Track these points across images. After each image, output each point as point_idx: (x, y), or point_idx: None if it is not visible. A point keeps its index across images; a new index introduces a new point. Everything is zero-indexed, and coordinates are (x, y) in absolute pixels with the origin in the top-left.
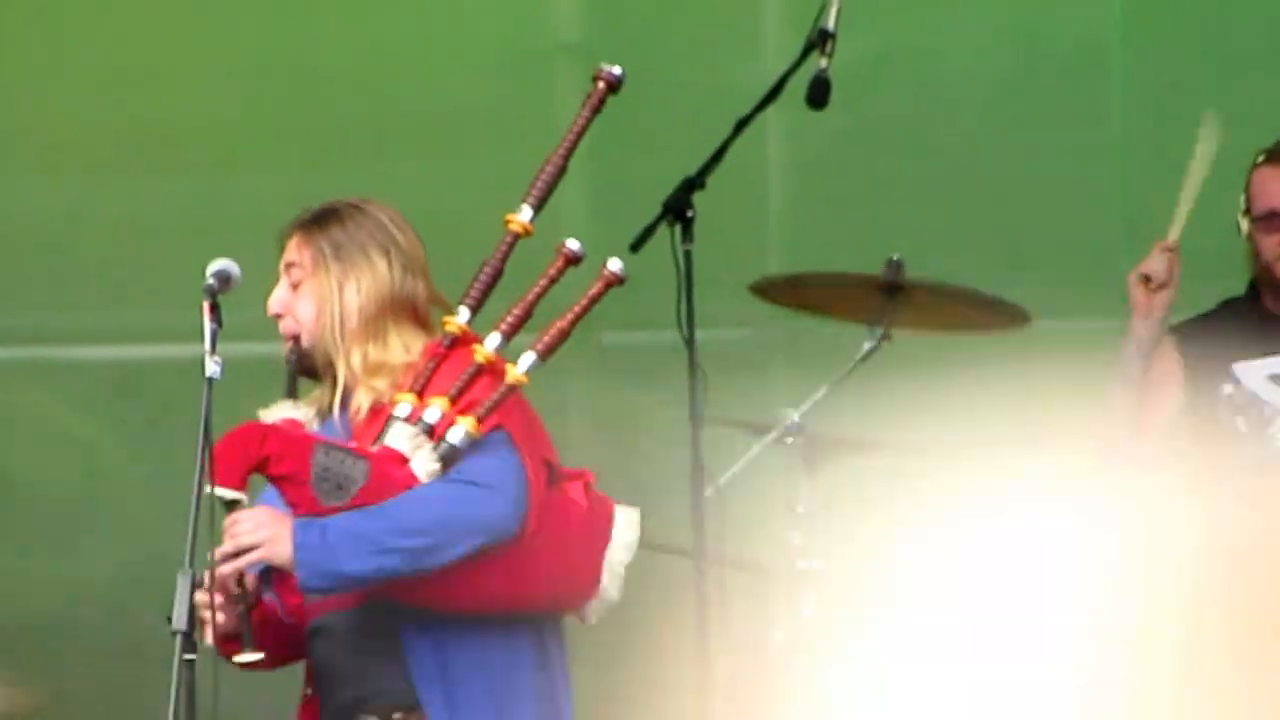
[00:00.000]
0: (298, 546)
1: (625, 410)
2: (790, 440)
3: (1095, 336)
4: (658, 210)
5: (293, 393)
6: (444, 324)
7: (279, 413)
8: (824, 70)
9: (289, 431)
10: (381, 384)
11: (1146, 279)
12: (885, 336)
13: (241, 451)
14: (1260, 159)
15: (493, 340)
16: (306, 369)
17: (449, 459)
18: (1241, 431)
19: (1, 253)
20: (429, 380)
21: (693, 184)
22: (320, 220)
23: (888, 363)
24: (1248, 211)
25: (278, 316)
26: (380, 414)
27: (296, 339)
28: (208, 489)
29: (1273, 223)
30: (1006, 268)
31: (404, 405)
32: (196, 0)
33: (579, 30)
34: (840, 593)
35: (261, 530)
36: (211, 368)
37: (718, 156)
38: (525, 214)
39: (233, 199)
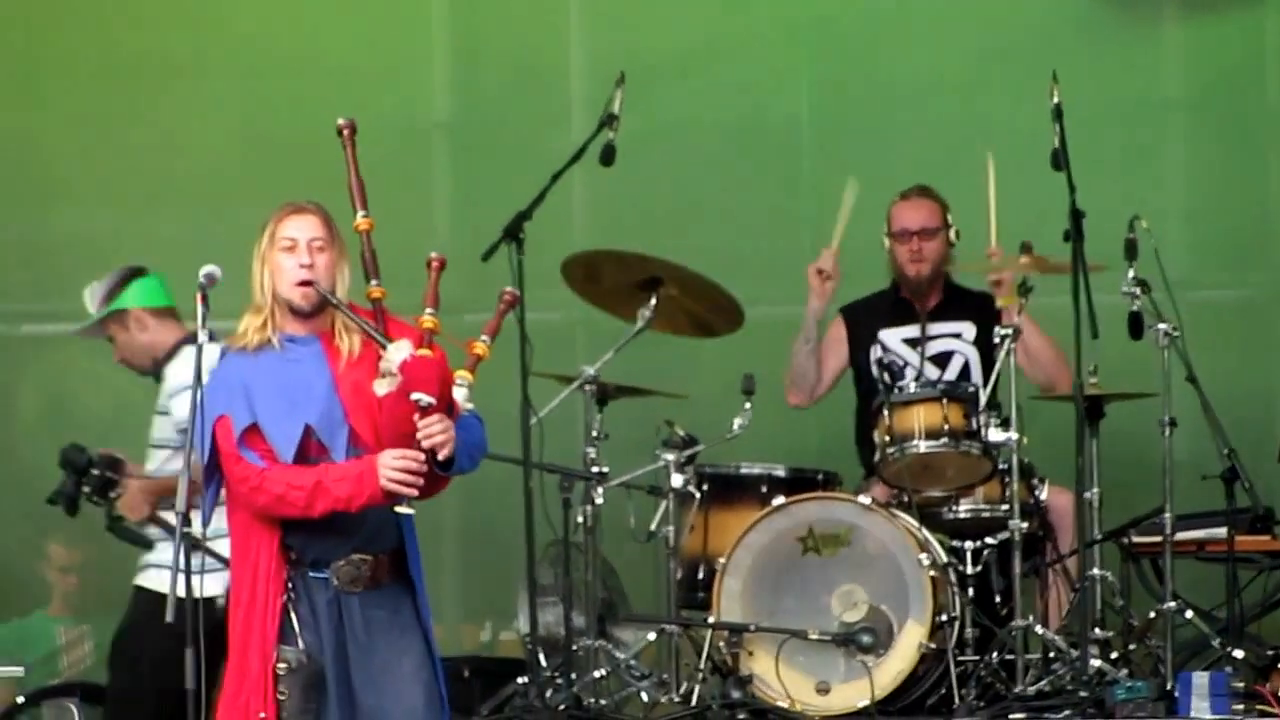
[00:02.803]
0: (459, 443)
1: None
2: (588, 387)
3: (791, 319)
4: (500, 233)
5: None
6: (369, 294)
7: (407, 348)
8: (611, 140)
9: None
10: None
11: (819, 272)
12: (651, 319)
13: (438, 375)
14: (896, 198)
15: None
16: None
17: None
18: (885, 381)
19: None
20: (387, 330)
21: (524, 216)
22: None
23: (652, 337)
24: (889, 233)
25: (310, 268)
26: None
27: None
28: (415, 395)
29: (904, 238)
30: (734, 274)
31: (405, 344)
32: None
33: (449, 112)
34: (620, 491)
35: (451, 430)
36: (202, 335)
37: (540, 198)
38: (362, 216)
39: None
